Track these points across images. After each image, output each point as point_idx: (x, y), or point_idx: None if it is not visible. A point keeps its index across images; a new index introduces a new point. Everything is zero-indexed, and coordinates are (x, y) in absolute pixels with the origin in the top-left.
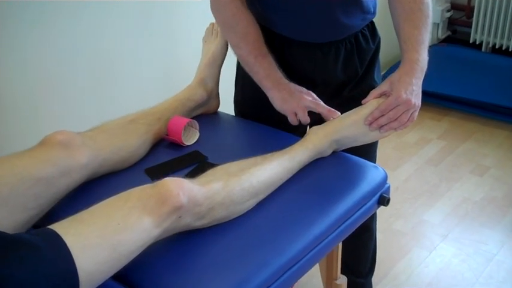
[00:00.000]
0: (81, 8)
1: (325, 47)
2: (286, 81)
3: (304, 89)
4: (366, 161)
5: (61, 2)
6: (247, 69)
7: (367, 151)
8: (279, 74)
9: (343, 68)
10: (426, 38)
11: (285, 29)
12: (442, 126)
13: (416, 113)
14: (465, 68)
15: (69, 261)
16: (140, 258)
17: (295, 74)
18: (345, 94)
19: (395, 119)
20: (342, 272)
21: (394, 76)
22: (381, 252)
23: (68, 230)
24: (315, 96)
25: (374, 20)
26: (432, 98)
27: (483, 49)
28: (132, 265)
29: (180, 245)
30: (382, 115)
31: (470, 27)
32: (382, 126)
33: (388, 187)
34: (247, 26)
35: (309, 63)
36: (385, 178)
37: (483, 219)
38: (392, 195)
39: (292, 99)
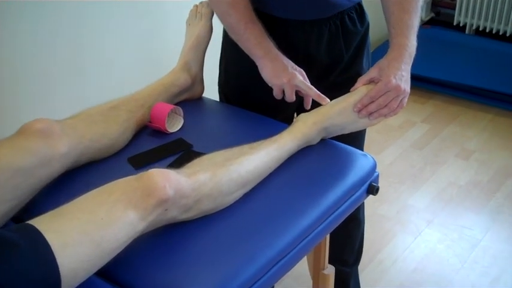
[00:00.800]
0: None
1: (307, 26)
2: (277, 51)
3: (297, 67)
4: (355, 149)
5: None
6: (236, 38)
7: (355, 138)
8: (270, 43)
9: (327, 51)
10: (416, 22)
11: (264, 3)
12: (426, 110)
13: (406, 99)
14: (449, 51)
15: (50, 259)
16: (124, 253)
17: None
18: (331, 79)
19: (385, 106)
20: (328, 261)
21: (383, 62)
22: (366, 237)
23: (48, 226)
24: (305, 76)
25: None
26: (416, 81)
27: (467, 31)
28: (116, 260)
29: (165, 239)
30: (372, 102)
31: (454, 9)
32: (372, 113)
33: (377, 175)
34: None
35: (289, 42)
36: (374, 166)
37: (468, 203)
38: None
39: (284, 74)
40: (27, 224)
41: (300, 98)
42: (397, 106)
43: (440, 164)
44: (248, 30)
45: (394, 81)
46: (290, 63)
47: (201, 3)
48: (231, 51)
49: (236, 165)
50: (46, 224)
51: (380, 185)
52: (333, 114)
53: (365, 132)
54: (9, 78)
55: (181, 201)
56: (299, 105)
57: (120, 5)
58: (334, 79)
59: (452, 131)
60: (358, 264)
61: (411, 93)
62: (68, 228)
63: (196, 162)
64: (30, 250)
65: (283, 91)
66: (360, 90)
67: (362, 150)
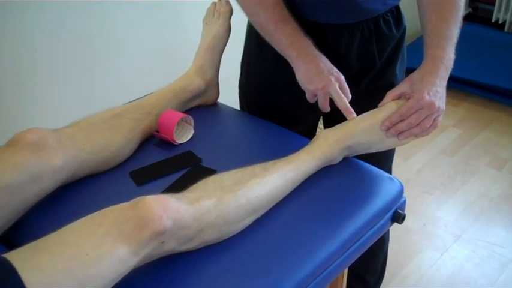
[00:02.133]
0: None
1: (337, 29)
2: (315, 50)
3: (335, 69)
4: (380, 171)
5: None
6: (268, 39)
7: (382, 158)
8: (306, 41)
9: (358, 56)
10: (455, 33)
11: (292, 5)
12: (458, 113)
13: (441, 118)
14: (485, 50)
15: None
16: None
17: None
18: (362, 87)
19: (417, 125)
20: (348, 279)
21: (415, 75)
22: (390, 250)
23: (25, 262)
24: (343, 81)
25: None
26: (448, 81)
27: (506, 29)
28: None
29: (161, 271)
30: (402, 120)
31: (494, 4)
32: (401, 132)
33: (404, 201)
34: None
35: (317, 43)
36: (401, 191)
37: (499, 218)
38: (404, 188)
39: (319, 79)
40: (2, 258)
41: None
42: (430, 125)
43: (471, 174)
44: (279, 30)
45: (427, 97)
46: (327, 66)
47: (219, 0)
48: (254, 52)
49: (246, 189)
50: (23, 259)
51: (407, 194)
52: (358, 131)
53: (394, 151)
54: (11, 72)
55: (181, 233)
56: (324, 114)
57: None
58: (365, 87)
59: (486, 137)
60: (379, 285)
61: None
62: (48, 265)
63: (202, 186)
64: None
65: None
66: (389, 106)
67: (390, 171)
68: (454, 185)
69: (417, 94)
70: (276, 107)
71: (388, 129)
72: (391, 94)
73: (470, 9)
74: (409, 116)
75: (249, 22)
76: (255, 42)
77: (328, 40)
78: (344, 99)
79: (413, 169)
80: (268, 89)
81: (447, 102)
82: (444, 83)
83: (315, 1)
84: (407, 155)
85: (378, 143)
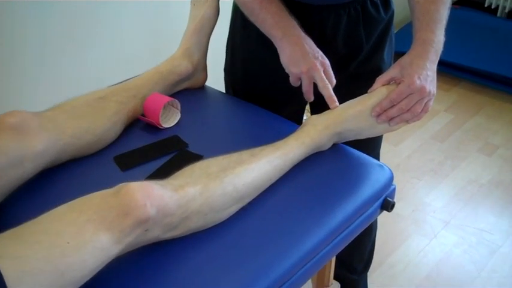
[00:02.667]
0: None
1: (323, 11)
2: (300, 31)
3: (321, 53)
4: (370, 158)
5: None
6: (253, 19)
7: (370, 144)
8: (291, 22)
9: (345, 39)
10: (444, 15)
11: None
12: (450, 98)
13: (432, 102)
14: (478, 35)
15: None
16: (96, 275)
17: None
18: (350, 71)
19: (408, 110)
20: (335, 266)
21: (405, 59)
22: (378, 237)
23: (4, 250)
24: (328, 66)
25: None
26: (441, 66)
27: (499, 14)
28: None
29: (146, 259)
30: (393, 105)
31: None
32: (392, 118)
33: (394, 189)
34: None
35: (302, 26)
36: (391, 179)
37: (489, 204)
38: (394, 174)
39: (303, 62)
40: None
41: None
42: (421, 110)
43: (462, 159)
44: (264, 10)
45: (418, 82)
46: (313, 49)
47: None
48: (239, 33)
49: (232, 176)
50: (2, 247)
51: (396, 180)
52: (347, 117)
53: (382, 137)
54: None
55: (165, 220)
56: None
57: None
58: (353, 70)
59: (477, 122)
60: (367, 272)
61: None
62: (27, 253)
63: (187, 172)
64: None
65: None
66: (379, 92)
67: (378, 156)
68: (444, 171)
69: (407, 79)
70: (261, 90)
71: (378, 116)
72: (380, 79)
73: None
74: (399, 101)
75: (234, 3)
76: (240, 23)
77: (314, 22)
78: (328, 85)
79: (403, 154)
80: (253, 72)
81: (438, 87)
82: (434, 66)
83: None
84: (397, 140)
85: (369, 129)
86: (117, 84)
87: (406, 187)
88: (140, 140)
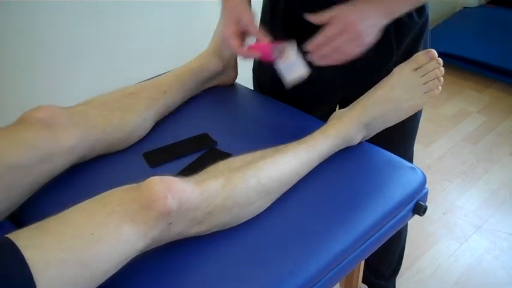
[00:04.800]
0: None
1: None
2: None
3: (248, 21)
4: (402, 160)
5: None
6: None
7: (402, 145)
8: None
9: (374, 46)
10: None
11: None
12: (483, 99)
13: (360, 48)
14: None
15: (27, 280)
16: (120, 273)
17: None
18: (375, 80)
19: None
20: (363, 272)
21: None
22: (407, 239)
23: (28, 241)
24: (252, 25)
25: None
26: (474, 66)
27: None
28: (110, 282)
29: (171, 257)
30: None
31: None
32: (325, 57)
33: (426, 192)
34: None
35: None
36: (424, 182)
37: None
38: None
39: (224, 24)
40: (3, 237)
41: (343, 90)
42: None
43: (494, 162)
44: None
45: (351, 17)
46: (240, 16)
47: None
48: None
49: (255, 169)
50: (26, 238)
51: (427, 181)
52: (369, 105)
53: (414, 138)
54: (23, 49)
55: (189, 214)
56: (342, 99)
57: None
58: (380, 80)
59: (510, 125)
60: (395, 277)
61: (468, 80)
62: (51, 244)
63: (211, 168)
64: (3, 269)
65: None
66: (396, 74)
67: (411, 158)
68: (476, 174)
69: (343, 14)
70: (288, 92)
71: (313, 54)
72: (320, 17)
73: None
74: (332, 38)
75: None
76: (268, 22)
77: None
78: (238, 51)
79: (434, 156)
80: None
81: (471, 88)
82: (381, 17)
83: None
84: (429, 141)
85: (393, 113)
86: (148, 80)
87: (436, 189)
88: (170, 137)
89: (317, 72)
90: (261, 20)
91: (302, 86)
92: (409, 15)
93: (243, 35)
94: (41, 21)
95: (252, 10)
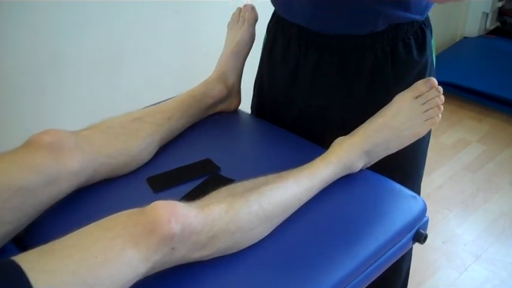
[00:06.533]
0: None
1: (345, 49)
2: None
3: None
4: (403, 188)
5: None
6: None
7: (408, 174)
8: None
9: (369, 84)
10: None
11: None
12: (482, 128)
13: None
14: None
15: None
16: None
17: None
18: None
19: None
20: None
21: None
22: None
23: (33, 264)
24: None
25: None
26: (474, 96)
27: None
28: None
29: (172, 283)
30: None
31: None
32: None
33: (427, 221)
34: None
35: (321, 66)
36: (424, 210)
37: None
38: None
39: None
40: (9, 260)
41: (343, 121)
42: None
43: (494, 192)
44: None
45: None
46: None
47: (245, 6)
48: (268, 62)
49: (257, 195)
50: (30, 261)
51: (427, 209)
52: (371, 132)
53: (423, 169)
54: (29, 72)
55: (192, 238)
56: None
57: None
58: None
59: (510, 155)
60: None
61: (468, 109)
62: (56, 267)
63: (213, 194)
64: None
65: None
66: (397, 101)
67: (418, 188)
68: (475, 203)
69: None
70: (289, 122)
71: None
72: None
73: (498, 23)
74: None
75: (267, 28)
76: (268, 50)
77: (333, 62)
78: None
79: (434, 184)
80: (280, 102)
81: (472, 117)
82: None
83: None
84: (429, 170)
85: (395, 139)
86: (152, 105)
87: (437, 217)
88: (173, 162)
89: (317, 110)
90: (259, 67)
91: (303, 117)
92: (409, 53)
93: None
94: (47, 44)
95: None
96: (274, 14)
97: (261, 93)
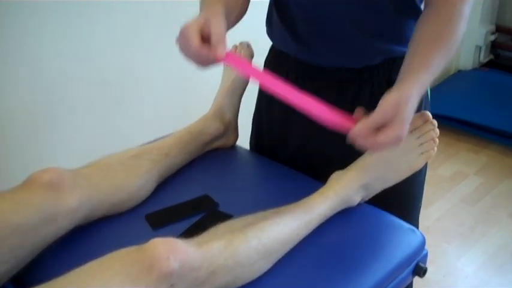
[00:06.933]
0: (92, 20)
1: (342, 84)
2: (217, 13)
3: (220, 38)
4: (401, 221)
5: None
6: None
7: (406, 208)
8: (218, 6)
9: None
10: (438, 62)
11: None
12: (480, 161)
13: None
14: (507, 97)
15: None
16: None
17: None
18: None
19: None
20: None
21: (389, 102)
22: None
23: None
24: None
25: None
26: (470, 128)
27: None
28: None
29: None
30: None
31: None
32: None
33: (426, 254)
34: None
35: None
36: (423, 243)
37: None
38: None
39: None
40: None
41: (340, 155)
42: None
43: (492, 224)
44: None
45: (404, 130)
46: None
47: (240, 43)
48: (265, 97)
49: (256, 230)
50: None
51: (427, 242)
52: (367, 167)
53: (420, 202)
54: (28, 110)
55: (191, 275)
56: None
57: (157, 40)
58: None
59: (508, 187)
60: None
61: (464, 141)
62: None
63: (212, 230)
64: None
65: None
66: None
67: (416, 221)
68: (474, 235)
69: (398, 127)
70: (287, 158)
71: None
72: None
73: (492, 56)
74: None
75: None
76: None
77: (330, 95)
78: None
79: (432, 217)
80: (279, 137)
81: (468, 150)
82: (417, 103)
83: (315, 33)
84: (427, 203)
85: (392, 173)
86: (150, 142)
87: (436, 251)
88: (171, 198)
89: (315, 144)
90: (258, 96)
91: (301, 153)
92: None
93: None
94: (44, 83)
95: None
96: (271, 49)
97: (259, 129)
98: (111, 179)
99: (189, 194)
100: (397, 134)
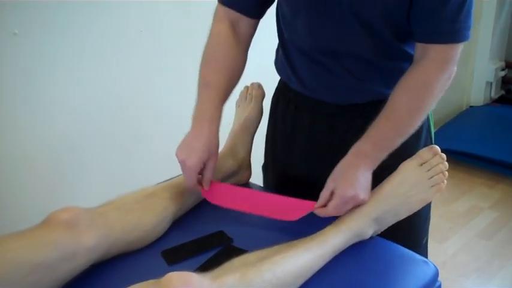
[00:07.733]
0: (104, 55)
1: (336, 116)
2: (211, 129)
3: (207, 154)
4: (414, 254)
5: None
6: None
7: (415, 238)
8: (210, 111)
9: None
10: (396, 138)
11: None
12: (494, 195)
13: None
14: None
15: None
16: None
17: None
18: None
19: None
20: None
21: (337, 170)
22: None
23: None
24: (209, 168)
25: None
26: (484, 163)
27: None
28: None
29: None
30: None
31: None
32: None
33: (439, 286)
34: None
35: (312, 133)
36: (436, 275)
37: None
38: (440, 272)
39: (189, 149)
40: None
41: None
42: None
43: (509, 258)
44: (201, 92)
45: (350, 192)
46: (207, 147)
47: (252, 84)
48: (271, 122)
49: (270, 264)
50: None
51: (443, 278)
52: (380, 200)
53: (426, 231)
54: (46, 151)
55: None
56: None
57: (173, 77)
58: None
59: None
60: None
61: (479, 176)
62: None
63: (226, 265)
64: None
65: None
66: (404, 168)
67: (425, 251)
68: (491, 270)
69: (341, 190)
70: (298, 187)
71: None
72: (323, 195)
73: (503, 92)
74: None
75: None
76: (273, 123)
77: (322, 129)
78: (191, 183)
79: (449, 252)
80: (288, 169)
81: (482, 184)
82: (368, 173)
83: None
84: (442, 238)
85: (403, 207)
86: (165, 181)
87: (454, 286)
88: (187, 234)
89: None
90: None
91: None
92: None
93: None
94: (59, 122)
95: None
96: (280, 79)
97: (266, 167)
98: (127, 217)
99: (204, 230)
100: (343, 194)
